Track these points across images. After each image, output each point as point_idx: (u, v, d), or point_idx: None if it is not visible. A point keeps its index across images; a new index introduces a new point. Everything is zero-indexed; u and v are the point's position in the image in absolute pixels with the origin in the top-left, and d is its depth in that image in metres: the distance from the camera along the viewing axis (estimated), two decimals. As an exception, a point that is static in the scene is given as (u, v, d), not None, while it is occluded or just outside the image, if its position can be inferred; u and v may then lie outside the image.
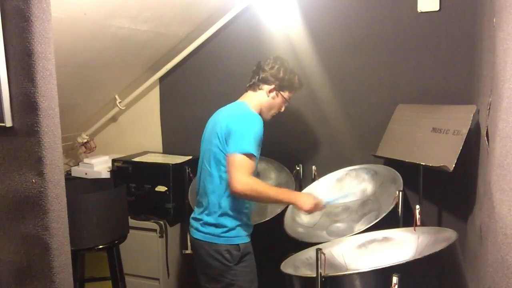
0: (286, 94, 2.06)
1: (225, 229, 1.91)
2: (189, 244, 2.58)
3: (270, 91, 2.02)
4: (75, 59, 2.29)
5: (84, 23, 2.03)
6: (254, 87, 2.04)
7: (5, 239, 1.23)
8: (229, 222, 1.91)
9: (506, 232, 1.19)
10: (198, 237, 1.96)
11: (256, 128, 1.84)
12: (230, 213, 1.91)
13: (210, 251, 1.92)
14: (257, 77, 2.03)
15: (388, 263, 1.32)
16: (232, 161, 1.80)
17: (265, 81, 2.01)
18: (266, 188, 1.87)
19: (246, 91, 2.07)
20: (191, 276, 2.83)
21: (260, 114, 2.01)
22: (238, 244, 1.92)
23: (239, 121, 1.86)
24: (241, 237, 1.95)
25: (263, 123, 1.92)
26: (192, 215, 2.06)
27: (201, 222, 1.96)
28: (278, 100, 2.04)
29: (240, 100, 2.06)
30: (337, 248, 1.77)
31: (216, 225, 1.91)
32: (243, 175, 1.77)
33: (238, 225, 1.93)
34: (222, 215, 1.91)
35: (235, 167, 1.78)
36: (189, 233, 2.04)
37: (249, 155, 1.80)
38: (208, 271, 1.97)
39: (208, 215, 1.94)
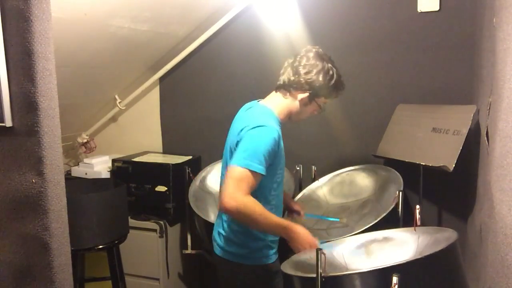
0: (321, 100, 1.74)
1: (250, 248, 1.72)
2: (189, 244, 2.61)
3: (303, 100, 1.71)
4: (75, 59, 2.29)
5: (84, 23, 2.03)
6: (284, 91, 1.73)
7: (5, 239, 1.23)
8: (253, 241, 1.71)
9: (506, 232, 1.19)
10: (222, 255, 1.76)
11: (266, 144, 1.56)
12: (252, 231, 1.69)
13: (235, 270, 1.74)
14: (288, 79, 1.71)
15: (388, 263, 1.32)
16: (230, 173, 1.54)
17: (298, 88, 1.69)
18: (262, 213, 1.56)
19: (276, 91, 1.77)
20: (191, 276, 2.84)
21: (289, 119, 1.78)
22: (266, 264, 1.74)
23: (250, 133, 1.58)
24: (268, 256, 1.75)
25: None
26: (214, 232, 1.85)
27: (225, 239, 1.75)
28: (311, 107, 1.75)
29: (267, 103, 1.76)
30: (337, 248, 1.77)
31: (240, 245, 1.72)
32: (238, 190, 1.51)
33: (263, 244, 1.73)
34: (244, 233, 1.70)
35: (232, 179, 1.52)
36: (213, 250, 1.83)
37: (252, 172, 1.53)
38: None
39: (232, 231, 1.73)
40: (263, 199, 1.64)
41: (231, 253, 1.74)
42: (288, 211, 2.11)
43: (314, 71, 1.67)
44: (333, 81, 1.70)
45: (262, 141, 1.56)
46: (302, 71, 1.68)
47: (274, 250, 1.78)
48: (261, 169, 1.55)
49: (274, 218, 1.62)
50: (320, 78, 1.67)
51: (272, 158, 1.62)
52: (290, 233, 1.61)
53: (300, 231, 1.62)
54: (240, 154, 1.55)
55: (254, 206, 1.54)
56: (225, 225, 1.76)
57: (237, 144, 1.62)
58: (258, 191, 1.61)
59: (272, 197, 1.71)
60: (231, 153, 1.66)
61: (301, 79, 1.68)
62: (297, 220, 2.03)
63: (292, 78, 1.70)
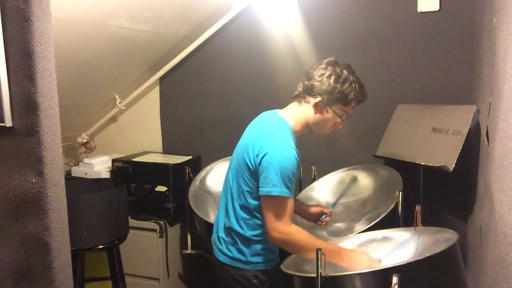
0: (339, 108, 1.68)
1: (251, 254, 1.70)
2: (189, 244, 2.61)
3: (316, 105, 1.66)
4: (75, 59, 2.29)
5: (84, 23, 2.03)
6: (299, 98, 1.71)
7: (5, 239, 1.23)
8: (255, 246, 1.70)
9: (506, 232, 1.19)
10: (223, 260, 1.74)
11: (290, 167, 1.54)
12: (254, 238, 1.69)
13: (236, 275, 1.72)
14: (302, 85, 1.70)
15: (388, 263, 1.32)
16: (266, 204, 1.56)
17: (310, 92, 1.66)
18: (308, 240, 1.56)
19: (293, 100, 1.75)
20: (191, 276, 2.84)
21: (309, 130, 1.73)
22: (267, 270, 1.72)
23: (271, 158, 1.54)
24: (270, 261, 1.73)
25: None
26: (213, 235, 1.84)
27: (226, 244, 1.74)
28: (330, 117, 1.68)
29: (283, 113, 1.72)
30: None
31: (241, 250, 1.70)
32: (279, 221, 1.54)
33: (265, 249, 1.71)
34: (245, 239, 1.69)
35: (271, 211, 1.54)
36: (213, 253, 1.83)
37: (286, 198, 1.54)
38: None
39: (232, 238, 1.72)
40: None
41: (233, 258, 1.72)
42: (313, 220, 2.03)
43: (326, 74, 1.65)
44: (347, 85, 1.65)
45: (286, 165, 1.54)
46: (315, 75, 1.67)
47: (276, 254, 1.76)
48: (290, 193, 1.55)
49: (323, 244, 1.55)
50: (331, 81, 1.64)
51: (295, 178, 1.60)
52: (346, 258, 1.54)
53: (357, 256, 1.55)
54: (269, 183, 1.53)
55: (298, 234, 1.57)
56: (226, 230, 1.75)
57: (254, 164, 1.59)
58: (259, 209, 1.63)
59: None
60: (245, 163, 1.64)
61: (313, 82, 1.66)
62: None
63: (306, 83, 1.69)
